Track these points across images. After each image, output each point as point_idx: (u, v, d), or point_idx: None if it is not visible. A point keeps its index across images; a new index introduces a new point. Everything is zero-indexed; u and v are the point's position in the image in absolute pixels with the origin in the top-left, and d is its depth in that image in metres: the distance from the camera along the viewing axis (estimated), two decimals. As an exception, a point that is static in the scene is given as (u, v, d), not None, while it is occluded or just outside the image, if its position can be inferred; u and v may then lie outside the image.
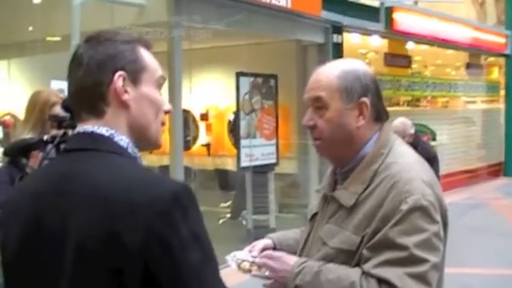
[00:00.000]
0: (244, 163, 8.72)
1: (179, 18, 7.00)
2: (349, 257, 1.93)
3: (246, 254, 2.24)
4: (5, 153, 3.14)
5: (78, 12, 6.14)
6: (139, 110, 1.55)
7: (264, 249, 2.26)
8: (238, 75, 8.50)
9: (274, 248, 2.31)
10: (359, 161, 2.04)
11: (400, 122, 6.43)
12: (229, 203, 10.70)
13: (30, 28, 7.90)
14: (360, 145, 2.05)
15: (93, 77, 1.51)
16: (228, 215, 10.44)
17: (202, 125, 11.65)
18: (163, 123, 1.65)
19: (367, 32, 10.84)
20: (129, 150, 1.53)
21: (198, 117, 11.65)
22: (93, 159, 1.47)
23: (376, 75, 2.13)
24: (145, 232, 1.32)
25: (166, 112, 1.65)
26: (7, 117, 8.59)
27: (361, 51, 12.18)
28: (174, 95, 6.99)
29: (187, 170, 10.21)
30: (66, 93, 1.68)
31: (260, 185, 9.23)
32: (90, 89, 1.52)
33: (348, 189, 2.02)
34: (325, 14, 9.05)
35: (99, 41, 1.55)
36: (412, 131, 6.51)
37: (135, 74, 1.55)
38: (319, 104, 2.04)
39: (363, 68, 2.09)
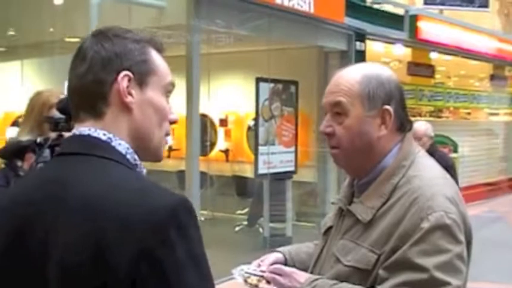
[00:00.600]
0: (262, 170, 8.59)
1: (199, 21, 6.90)
2: (364, 276, 1.80)
3: (254, 268, 2.12)
4: (0, 156, 3.05)
5: (95, 13, 6.08)
6: (142, 116, 1.43)
7: (274, 264, 2.13)
8: (258, 80, 8.39)
9: (285, 263, 2.18)
10: (378, 173, 1.90)
11: (421, 123, 6.36)
12: (246, 210, 10.58)
13: (51, 29, 7.84)
14: (380, 156, 1.91)
15: (96, 75, 1.39)
16: (245, 222, 10.32)
17: (221, 131, 11.54)
18: (167, 134, 1.52)
19: (390, 40, 10.70)
20: (128, 156, 1.40)
21: (217, 123, 11.56)
22: (86, 166, 1.35)
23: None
24: (136, 249, 1.20)
25: (172, 122, 1.52)
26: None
27: (385, 60, 12.02)
28: (192, 99, 6.88)
29: (204, 175, 10.14)
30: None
31: (278, 192, 9.10)
32: (91, 87, 1.40)
33: (365, 203, 1.88)
34: (349, 21, 8.94)
35: (107, 37, 1.43)
36: (432, 134, 6.39)
37: (142, 77, 1.43)
38: (338, 110, 1.90)
39: (387, 74, 1.95)
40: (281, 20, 8.09)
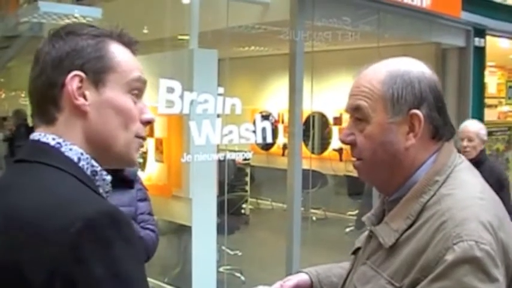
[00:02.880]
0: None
1: (303, 18, 6.74)
2: None
3: None
4: None
5: (196, 10, 6.09)
6: (100, 119, 1.33)
7: (297, 287, 1.96)
8: (367, 78, 8.12)
9: (311, 286, 1.99)
10: (408, 189, 1.63)
11: (474, 121, 5.58)
12: (357, 211, 10.34)
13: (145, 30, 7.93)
14: (410, 170, 1.64)
15: (46, 77, 1.31)
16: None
17: (335, 129, 11.33)
18: (141, 137, 1.39)
19: (514, 36, 10.05)
20: (82, 163, 1.30)
21: (331, 121, 11.37)
22: (26, 174, 1.27)
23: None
24: (49, 268, 1.10)
25: (147, 122, 1.40)
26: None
27: (512, 57, 11.34)
28: (294, 97, 6.74)
29: (318, 174, 10.02)
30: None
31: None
32: (41, 91, 1.32)
33: (390, 225, 1.62)
34: (466, 16, 8.46)
35: (59, 36, 1.34)
36: (486, 137, 5.40)
37: (98, 75, 1.33)
38: (358, 115, 1.67)
39: (419, 70, 1.67)
40: (392, 16, 7.78)
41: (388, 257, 1.59)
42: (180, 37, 8.09)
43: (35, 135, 1.33)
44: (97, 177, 1.34)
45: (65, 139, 1.31)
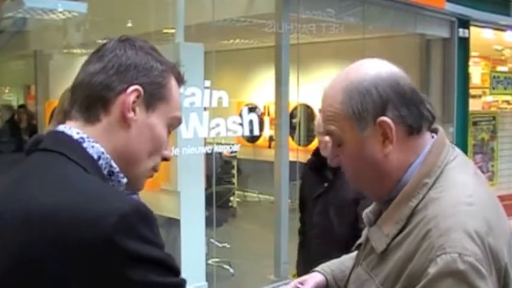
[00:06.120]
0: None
1: (288, 10, 6.76)
2: None
3: None
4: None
5: (181, 4, 6.08)
6: (138, 138, 1.35)
7: None
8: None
9: (327, 285, 2.00)
10: (399, 191, 1.59)
11: None
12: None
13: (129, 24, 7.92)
14: (399, 173, 1.60)
15: (107, 78, 1.33)
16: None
17: (321, 121, 11.36)
18: (155, 169, 1.42)
19: (498, 27, 10.10)
20: (101, 161, 1.31)
21: (317, 113, 11.41)
22: (45, 165, 1.28)
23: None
24: (82, 264, 1.12)
25: (165, 159, 1.43)
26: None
27: (496, 48, 11.40)
28: (280, 89, 6.78)
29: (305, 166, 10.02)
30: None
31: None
32: (97, 88, 1.33)
33: (382, 229, 1.59)
34: (450, 7, 8.50)
35: (133, 45, 1.37)
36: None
37: (153, 100, 1.36)
38: (334, 138, 1.65)
39: (373, 75, 1.57)
40: (376, 7, 7.82)
41: (380, 261, 1.57)
42: (165, 31, 8.08)
43: (61, 127, 1.34)
44: (113, 178, 1.35)
45: (95, 140, 1.32)
